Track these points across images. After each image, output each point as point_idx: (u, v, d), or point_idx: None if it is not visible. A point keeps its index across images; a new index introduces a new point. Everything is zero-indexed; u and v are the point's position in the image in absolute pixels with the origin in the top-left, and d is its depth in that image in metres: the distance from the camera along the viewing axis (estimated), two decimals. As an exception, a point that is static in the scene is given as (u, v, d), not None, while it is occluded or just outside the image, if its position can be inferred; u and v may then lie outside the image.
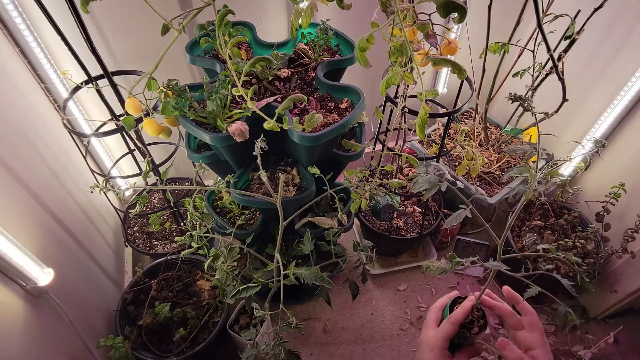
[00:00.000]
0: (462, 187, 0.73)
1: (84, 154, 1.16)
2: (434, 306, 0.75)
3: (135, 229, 1.46)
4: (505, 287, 0.70)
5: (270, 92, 0.95)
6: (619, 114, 1.24)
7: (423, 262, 0.73)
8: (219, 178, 1.19)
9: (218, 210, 1.17)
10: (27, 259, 0.82)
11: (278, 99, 0.90)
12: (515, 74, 1.26)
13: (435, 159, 1.24)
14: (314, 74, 0.99)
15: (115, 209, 1.34)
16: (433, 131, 1.66)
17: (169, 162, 1.15)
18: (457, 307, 0.70)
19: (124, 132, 1.06)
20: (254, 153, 0.71)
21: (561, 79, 1.15)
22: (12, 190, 0.89)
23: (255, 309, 0.85)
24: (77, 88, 1.05)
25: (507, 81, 1.38)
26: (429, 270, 0.71)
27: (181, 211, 1.42)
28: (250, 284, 0.85)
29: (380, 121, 1.27)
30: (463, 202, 0.66)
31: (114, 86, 0.95)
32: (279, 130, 0.69)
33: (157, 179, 1.21)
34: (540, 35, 1.03)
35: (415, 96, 0.88)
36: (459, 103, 1.17)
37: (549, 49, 1.06)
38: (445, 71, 1.65)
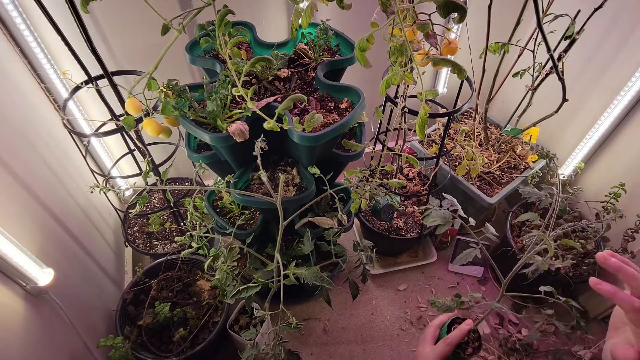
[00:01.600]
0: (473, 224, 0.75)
1: (84, 154, 1.16)
2: (432, 323, 0.79)
3: (135, 229, 1.46)
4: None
5: (270, 92, 0.95)
6: (619, 114, 1.24)
7: (429, 298, 0.78)
8: (219, 178, 1.19)
9: (218, 210, 1.17)
10: (27, 259, 0.82)
11: (278, 99, 0.90)
12: (515, 74, 1.26)
13: (435, 159, 1.24)
14: (314, 74, 0.99)
15: (115, 209, 1.34)
16: (433, 131, 1.66)
17: (169, 162, 1.15)
18: (454, 327, 0.72)
19: (124, 132, 1.06)
20: (254, 153, 0.71)
21: (561, 79, 1.15)
22: (12, 190, 0.89)
23: (255, 309, 0.85)
24: (77, 88, 1.05)
25: (507, 81, 1.38)
26: (434, 306, 0.77)
27: (181, 211, 1.42)
28: (250, 284, 0.85)
29: (380, 121, 1.27)
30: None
31: (114, 86, 0.95)
32: (279, 130, 0.69)
33: (157, 179, 1.21)
34: (540, 35, 1.02)
35: (415, 96, 0.88)
36: (459, 103, 1.17)
37: (549, 49, 1.06)
38: (445, 71, 1.65)
